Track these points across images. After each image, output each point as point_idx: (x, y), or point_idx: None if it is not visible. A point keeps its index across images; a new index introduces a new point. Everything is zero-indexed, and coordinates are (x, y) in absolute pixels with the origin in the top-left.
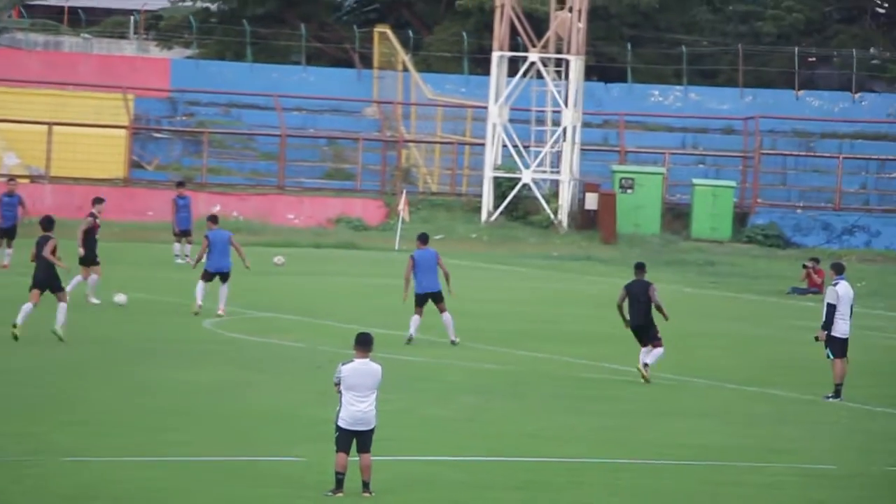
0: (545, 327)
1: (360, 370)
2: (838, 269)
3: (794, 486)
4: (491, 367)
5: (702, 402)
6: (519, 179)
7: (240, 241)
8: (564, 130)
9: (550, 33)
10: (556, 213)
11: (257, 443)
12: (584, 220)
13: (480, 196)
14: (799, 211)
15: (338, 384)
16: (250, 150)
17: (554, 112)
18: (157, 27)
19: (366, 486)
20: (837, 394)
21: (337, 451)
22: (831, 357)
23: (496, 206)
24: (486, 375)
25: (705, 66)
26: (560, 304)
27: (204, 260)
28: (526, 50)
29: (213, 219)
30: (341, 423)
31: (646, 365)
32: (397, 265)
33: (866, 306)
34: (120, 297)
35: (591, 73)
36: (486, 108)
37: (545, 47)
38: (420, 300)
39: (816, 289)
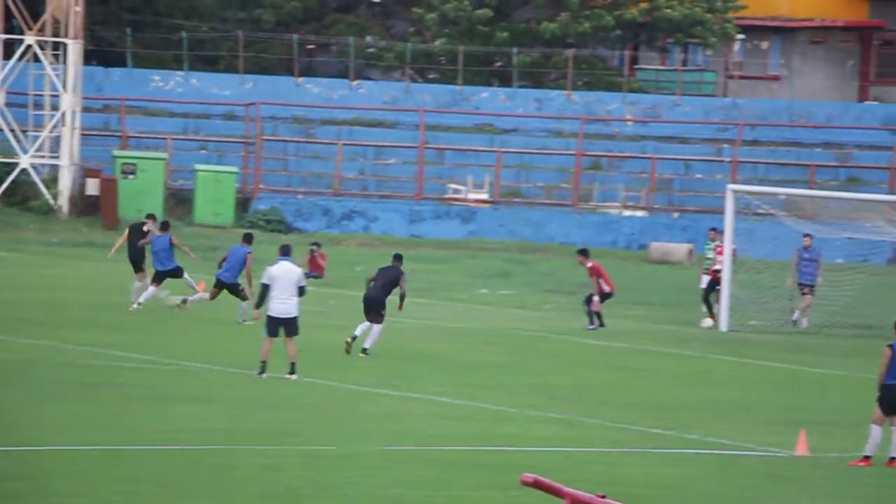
0: (48, 315)
1: None
2: (283, 251)
3: (294, 467)
4: None
5: (204, 386)
6: (17, 164)
7: None
8: (63, 115)
9: (47, 16)
10: (56, 198)
11: None
12: (86, 206)
13: None
14: (300, 196)
15: None
16: None
17: (52, 96)
18: None
19: None
20: (263, 370)
21: None
22: (265, 335)
23: None
24: None
25: (206, 51)
26: (63, 290)
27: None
28: (22, 33)
29: (164, 225)
30: None
31: (364, 350)
32: None
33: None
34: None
35: (90, 57)
36: None
37: (42, 30)
38: None
39: (319, 273)
